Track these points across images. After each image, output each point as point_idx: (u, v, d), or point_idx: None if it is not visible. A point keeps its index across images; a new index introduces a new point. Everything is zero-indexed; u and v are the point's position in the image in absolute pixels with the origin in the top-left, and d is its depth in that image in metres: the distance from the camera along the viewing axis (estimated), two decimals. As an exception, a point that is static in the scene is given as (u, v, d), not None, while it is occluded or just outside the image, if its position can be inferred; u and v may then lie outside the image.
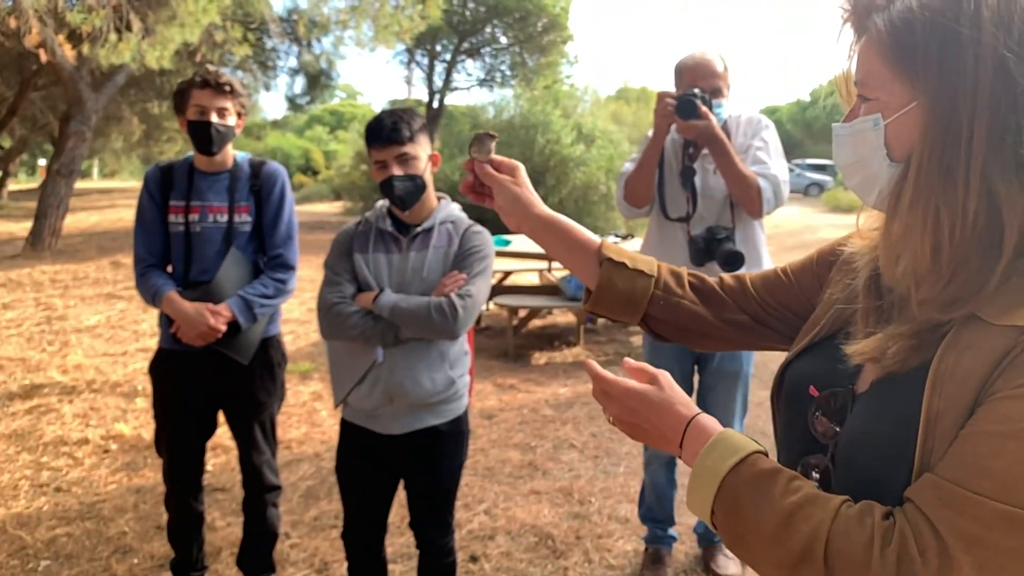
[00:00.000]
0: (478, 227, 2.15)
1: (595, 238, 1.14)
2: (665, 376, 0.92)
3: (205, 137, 2.31)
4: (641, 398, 0.90)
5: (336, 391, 2.12)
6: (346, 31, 13.88)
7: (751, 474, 0.78)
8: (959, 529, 0.67)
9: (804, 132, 34.36)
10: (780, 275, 1.10)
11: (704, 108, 2.32)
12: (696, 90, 2.35)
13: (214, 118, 2.31)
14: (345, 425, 2.16)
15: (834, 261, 1.02)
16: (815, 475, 0.87)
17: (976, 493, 0.67)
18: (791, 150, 35.66)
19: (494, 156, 1.18)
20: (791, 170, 27.72)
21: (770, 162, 2.45)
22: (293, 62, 17.86)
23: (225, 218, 2.38)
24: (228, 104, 2.34)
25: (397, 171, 2.00)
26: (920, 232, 0.75)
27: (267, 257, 2.45)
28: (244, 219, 2.40)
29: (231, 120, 2.37)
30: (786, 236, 14.25)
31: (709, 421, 0.86)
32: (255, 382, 2.47)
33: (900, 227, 0.77)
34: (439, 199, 2.18)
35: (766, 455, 0.81)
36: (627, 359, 0.99)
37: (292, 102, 20.43)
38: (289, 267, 2.45)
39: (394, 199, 2.03)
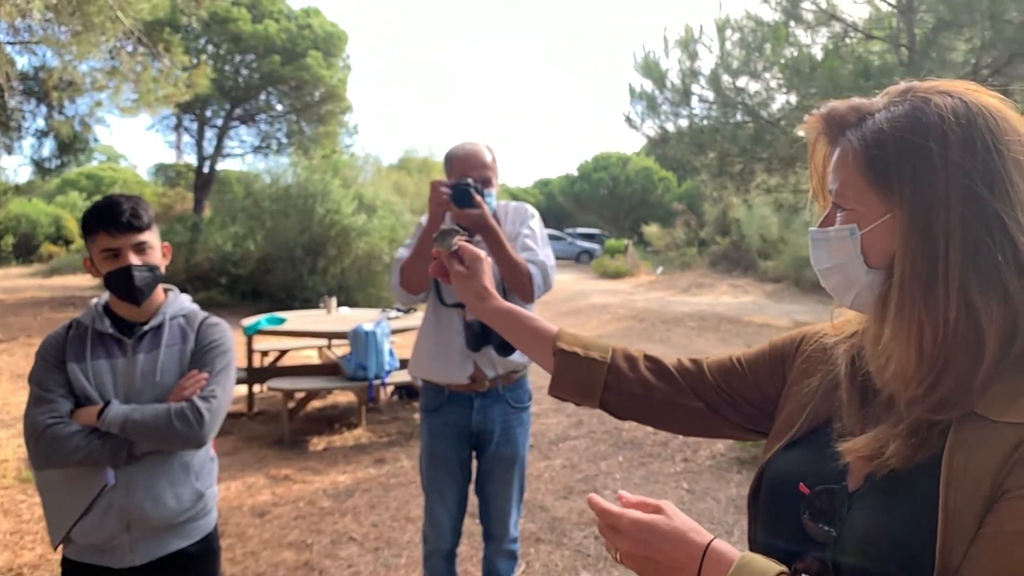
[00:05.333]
0: (214, 319, 1.97)
1: (551, 327, 1.19)
2: (670, 505, 0.88)
3: None
4: (652, 529, 0.85)
5: (54, 529, 1.78)
6: (103, 93, 12.83)
7: None
8: None
9: (574, 204, 36.66)
10: (735, 364, 1.12)
11: (478, 197, 2.35)
12: (469, 180, 2.38)
13: None
14: (69, 566, 1.83)
15: (788, 353, 1.06)
16: None
17: None
18: (563, 220, 37.94)
19: (463, 244, 1.28)
20: (563, 239, 29.72)
21: (538, 249, 2.53)
22: (42, 123, 16.15)
23: None
24: None
25: (135, 260, 1.79)
26: (906, 338, 0.79)
27: None
28: None
29: None
30: (561, 302, 14.94)
31: (725, 547, 0.82)
32: None
33: (889, 333, 0.81)
34: (166, 291, 1.97)
35: None
36: (622, 492, 0.93)
37: (39, 166, 18.41)
38: None
39: (132, 291, 1.80)
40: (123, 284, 1.79)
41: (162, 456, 1.80)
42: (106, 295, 1.89)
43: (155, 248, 1.85)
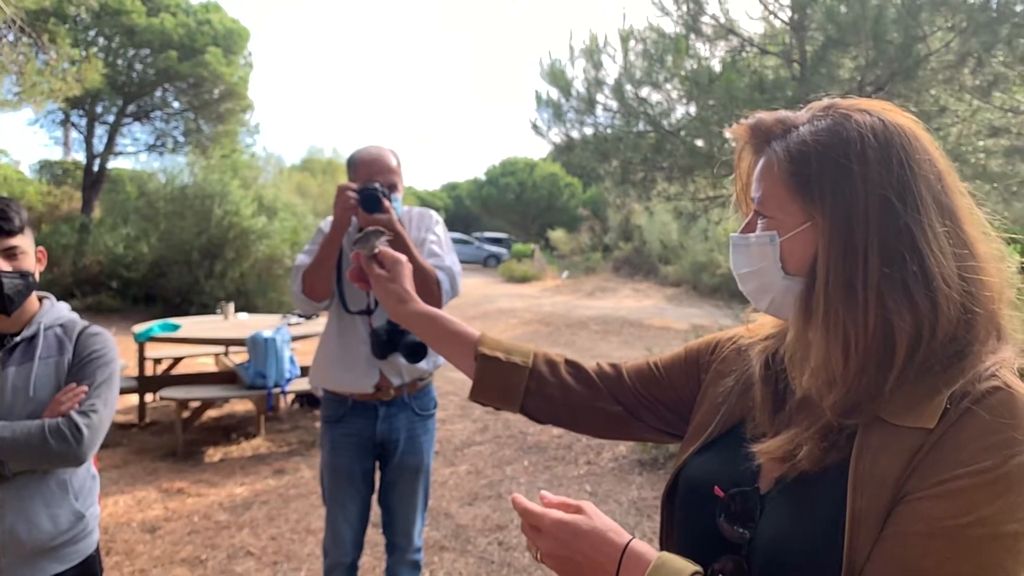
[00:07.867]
0: (96, 328, 1.86)
1: (472, 331, 1.19)
2: (590, 505, 0.89)
3: None
4: (573, 529, 0.85)
5: (-90, 554, 1.64)
6: (-19, 84, 11.99)
7: None
8: None
9: (481, 208, 36.72)
10: (652, 368, 1.14)
11: (387, 202, 2.31)
12: (376, 184, 2.33)
13: None
14: (-71, 594, 1.69)
15: (704, 358, 1.09)
16: None
17: None
18: (470, 223, 37.96)
19: (383, 248, 1.27)
20: (471, 243, 29.75)
21: (444, 255, 2.50)
22: (-94, 113, 14.97)
23: None
24: None
25: (5, 266, 1.66)
26: (833, 343, 0.81)
27: None
28: None
29: None
30: (468, 306, 14.93)
31: (643, 547, 0.83)
32: None
33: (818, 337, 0.82)
34: (41, 300, 1.84)
35: None
36: (544, 492, 0.93)
37: (-95, 160, 17.05)
38: None
39: (0, 300, 1.67)
40: None
41: (37, 475, 1.68)
42: None
43: (28, 253, 1.72)
